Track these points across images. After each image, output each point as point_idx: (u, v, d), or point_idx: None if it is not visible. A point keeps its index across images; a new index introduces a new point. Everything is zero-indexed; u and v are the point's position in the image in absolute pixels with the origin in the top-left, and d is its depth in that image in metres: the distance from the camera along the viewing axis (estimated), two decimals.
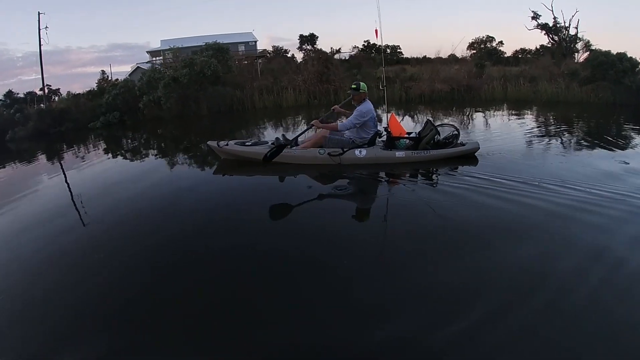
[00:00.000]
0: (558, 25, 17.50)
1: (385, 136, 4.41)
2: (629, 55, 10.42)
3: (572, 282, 2.01)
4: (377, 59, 17.01)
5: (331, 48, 16.15)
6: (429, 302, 1.94)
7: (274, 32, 62.37)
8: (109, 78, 18.93)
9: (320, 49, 15.67)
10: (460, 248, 2.47)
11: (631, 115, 8.56)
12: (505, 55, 22.39)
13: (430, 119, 5.07)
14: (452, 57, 16.11)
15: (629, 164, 4.17)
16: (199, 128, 10.18)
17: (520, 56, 21.66)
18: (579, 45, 16.86)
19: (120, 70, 49.54)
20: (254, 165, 4.57)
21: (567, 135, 6.35)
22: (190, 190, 4.12)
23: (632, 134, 6.39)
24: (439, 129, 4.38)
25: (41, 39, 15.11)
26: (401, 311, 1.89)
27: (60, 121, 13.34)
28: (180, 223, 3.18)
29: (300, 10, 54.23)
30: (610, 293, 1.92)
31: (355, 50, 21.27)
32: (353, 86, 4.31)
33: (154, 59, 23.95)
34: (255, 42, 26.22)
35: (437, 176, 3.98)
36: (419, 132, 4.52)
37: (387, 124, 4.49)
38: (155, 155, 7.15)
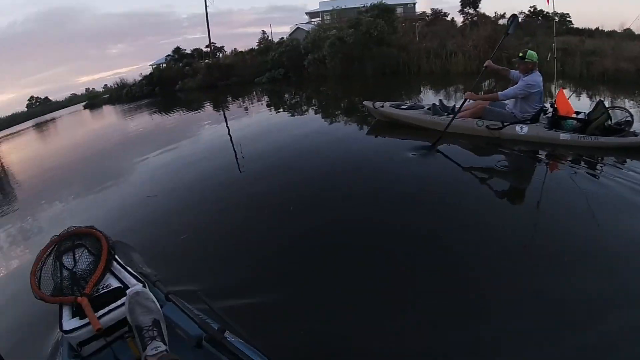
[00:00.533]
0: None
1: (551, 113, 3.95)
2: None
3: None
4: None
5: (495, 12, 13.99)
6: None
7: None
8: (270, 38, 21.35)
9: (484, 13, 13.73)
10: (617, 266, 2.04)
11: None
12: None
13: (602, 99, 4.20)
14: (627, 32, 11.41)
15: None
16: (361, 88, 10.25)
17: None
18: None
19: (280, 31, 51.52)
20: (408, 128, 4.71)
21: None
22: (339, 147, 4.74)
23: None
24: (609, 112, 3.73)
25: (207, 0, 18.31)
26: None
27: (227, 75, 15.57)
28: (329, 176, 3.79)
29: None
30: None
31: (522, 16, 17.79)
32: (520, 54, 3.95)
33: (312, 20, 25.65)
34: (414, 4, 24.91)
35: (601, 166, 3.45)
36: (588, 113, 3.89)
37: (554, 100, 4.00)
38: (315, 110, 8.04)
